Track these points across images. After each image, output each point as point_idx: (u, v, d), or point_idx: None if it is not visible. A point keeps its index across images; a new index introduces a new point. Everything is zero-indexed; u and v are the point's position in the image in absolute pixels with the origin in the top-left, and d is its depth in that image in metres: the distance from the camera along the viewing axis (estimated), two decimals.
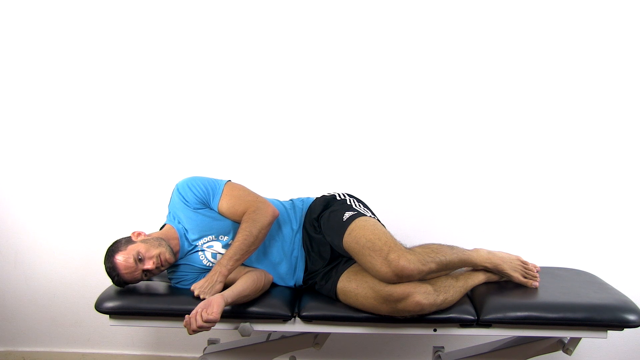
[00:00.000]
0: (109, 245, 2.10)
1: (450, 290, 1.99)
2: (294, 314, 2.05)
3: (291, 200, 2.33)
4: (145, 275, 2.07)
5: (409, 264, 1.88)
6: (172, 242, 2.12)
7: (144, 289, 2.14)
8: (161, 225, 2.23)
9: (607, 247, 2.65)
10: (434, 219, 2.71)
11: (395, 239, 1.99)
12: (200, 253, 2.17)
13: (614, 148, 2.63)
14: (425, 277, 1.96)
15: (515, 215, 2.68)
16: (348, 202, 2.20)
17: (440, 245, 2.05)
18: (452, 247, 2.08)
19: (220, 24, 2.69)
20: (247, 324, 2.01)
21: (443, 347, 2.37)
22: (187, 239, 2.17)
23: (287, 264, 2.21)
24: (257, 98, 2.72)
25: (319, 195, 2.29)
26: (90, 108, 2.78)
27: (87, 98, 2.77)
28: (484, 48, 2.63)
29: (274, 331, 2.22)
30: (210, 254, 2.17)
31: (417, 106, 2.68)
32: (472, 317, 1.99)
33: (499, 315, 1.97)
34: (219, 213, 2.16)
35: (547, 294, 2.07)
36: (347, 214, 2.10)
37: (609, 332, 1.98)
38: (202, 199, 2.15)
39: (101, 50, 2.74)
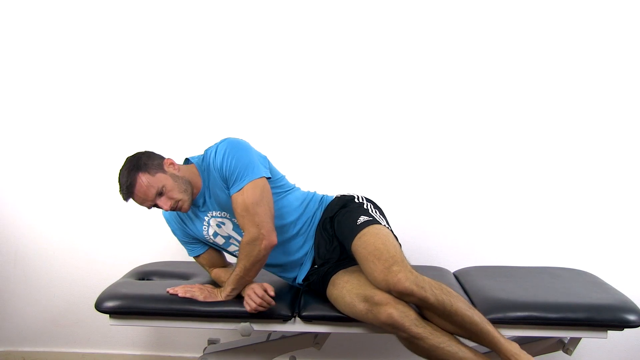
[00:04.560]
0: (140, 152, 2.00)
1: (436, 339, 1.87)
2: (294, 314, 2.05)
3: (314, 192, 2.27)
4: (155, 206, 2.00)
5: (406, 279, 1.84)
6: (196, 187, 2.04)
7: (144, 289, 2.14)
8: (194, 156, 2.11)
9: (607, 247, 2.65)
10: (434, 218, 2.71)
11: (404, 256, 1.94)
12: (205, 225, 2.12)
13: (613, 148, 2.63)
14: (419, 304, 1.88)
15: (516, 216, 2.68)
16: (365, 207, 2.15)
17: (457, 294, 1.91)
18: (472, 307, 1.90)
19: (224, 21, 2.70)
20: (247, 324, 2.01)
21: None
22: (205, 197, 2.07)
23: (297, 255, 2.17)
24: (260, 98, 2.72)
25: (339, 195, 2.24)
26: (90, 108, 2.78)
27: (87, 98, 2.77)
28: (481, 54, 2.64)
29: (274, 331, 2.22)
30: (212, 231, 2.12)
31: (420, 107, 2.69)
32: None
33: (499, 315, 1.97)
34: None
35: (547, 294, 2.07)
36: (362, 218, 2.06)
37: (609, 332, 1.98)
38: (224, 176, 2.01)
39: (100, 50, 2.75)
